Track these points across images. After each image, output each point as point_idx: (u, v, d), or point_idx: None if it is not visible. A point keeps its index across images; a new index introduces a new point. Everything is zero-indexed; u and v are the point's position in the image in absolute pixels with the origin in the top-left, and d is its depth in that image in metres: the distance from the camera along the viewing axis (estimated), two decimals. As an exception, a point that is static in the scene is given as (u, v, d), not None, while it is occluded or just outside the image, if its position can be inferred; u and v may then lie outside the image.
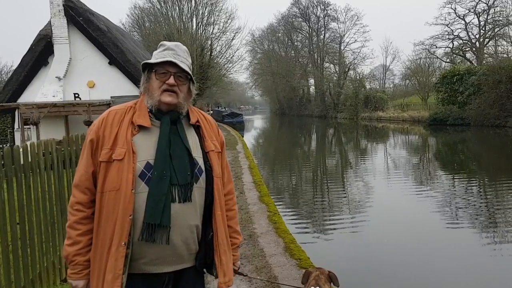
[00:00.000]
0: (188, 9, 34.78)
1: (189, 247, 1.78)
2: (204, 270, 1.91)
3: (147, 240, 1.67)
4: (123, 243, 1.65)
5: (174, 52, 1.81)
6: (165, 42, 1.88)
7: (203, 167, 1.81)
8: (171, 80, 1.76)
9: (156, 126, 1.77)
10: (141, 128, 1.75)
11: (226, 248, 1.90)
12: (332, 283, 2.59)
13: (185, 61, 1.81)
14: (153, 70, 1.79)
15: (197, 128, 1.89)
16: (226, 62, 38.20)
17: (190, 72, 1.83)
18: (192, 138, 1.84)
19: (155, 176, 1.68)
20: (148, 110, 1.79)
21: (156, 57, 1.81)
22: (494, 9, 42.59)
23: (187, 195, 1.73)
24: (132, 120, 1.76)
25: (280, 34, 68.94)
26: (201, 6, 35.38)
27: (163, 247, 1.69)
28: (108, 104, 13.62)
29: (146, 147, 1.72)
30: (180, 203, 1.71)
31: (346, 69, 55.52)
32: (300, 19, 64.45)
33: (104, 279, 1.67)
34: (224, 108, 57.14)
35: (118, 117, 1.77)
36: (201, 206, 1.81)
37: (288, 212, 8.60)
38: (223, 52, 37.54)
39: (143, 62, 1.84)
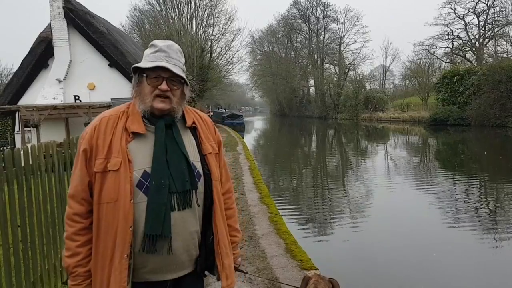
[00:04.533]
0: (187, 11, 34.86)
1: (190, 253, 1.75)
2: (206, 272, 1.90)
3: (148, 252, 1.63)
4: (125, 255, 1.61)
5: (167, 54, 1.71)
6: (156, 42, 1.77)
7: (201, 171, 1.76)
8: (164, 86, 1.67)
9: (151, 131, 1.70)
10: (136, 134, 1.68)
11: (228, 251, 1.88)
12: (332, 288, 2.58)
13: (178, 64, 1.72)
14: (144, 74, 1.70)
15: (194, 129, 1.83)
16: (226, 63, 38.34)
17: (184, 76, 1.72)
18: (188, 142, 1.78)
19: (153, 185, 1.62)
20: (141, 115, 1.71)
21: (147, 59, 1.71)
22: (494, 9, 42.72)
23: (186, 202, 1.69)
24: (126, 127, 1.68)
25: (279, 35, 69.03)
26: (201, 8, 35.50)
27: (164, 256, 1.66)
28: (108, 106, 13.63)
29: (142, 155, 1.66)
30: (179, 211, 1.67)
31: (346, 70, 55.57)
32: (300, 20, 64.51)
33: None
34: (224, 109, 57.11)
35: (111, 124, 1.69)
36: (200, 211, 1.76)
37: (289, 213, 8.58)
38: (223, 54, 37.68)
39: (133, 65, 1.73)
